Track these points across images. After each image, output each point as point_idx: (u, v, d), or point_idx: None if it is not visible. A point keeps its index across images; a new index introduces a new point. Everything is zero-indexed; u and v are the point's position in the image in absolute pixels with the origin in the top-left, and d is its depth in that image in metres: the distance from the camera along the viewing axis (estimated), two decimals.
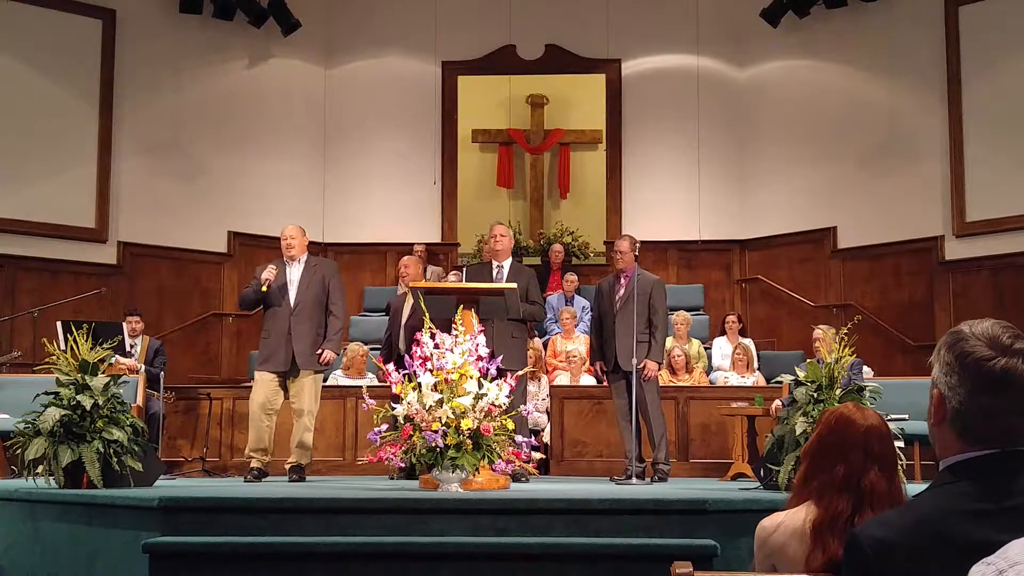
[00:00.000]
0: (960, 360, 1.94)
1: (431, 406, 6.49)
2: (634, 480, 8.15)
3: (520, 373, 7.36)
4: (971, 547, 1.67)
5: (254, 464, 8.53)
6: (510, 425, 6.70)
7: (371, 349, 11.53)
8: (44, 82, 12.59)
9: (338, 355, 9.22)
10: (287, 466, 8.63)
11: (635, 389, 8.48)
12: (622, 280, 8.92)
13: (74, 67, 12.81)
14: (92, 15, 12.92)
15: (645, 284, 8.83)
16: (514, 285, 7.95)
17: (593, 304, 9.29)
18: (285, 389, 8.75)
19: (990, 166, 12.08)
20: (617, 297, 8.84)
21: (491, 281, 8.51)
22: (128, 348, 10.64)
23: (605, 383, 9.15)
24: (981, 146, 12.19)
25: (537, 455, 8.76)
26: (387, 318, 10.30)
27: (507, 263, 8.91)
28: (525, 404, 7.50)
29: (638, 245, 9.10)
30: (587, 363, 11.90)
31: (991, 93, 12.15)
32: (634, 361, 8.43)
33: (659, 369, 9.00)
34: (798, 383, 6.75)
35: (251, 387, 9.08)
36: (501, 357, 6.92)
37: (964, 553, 1.64)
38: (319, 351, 8.77)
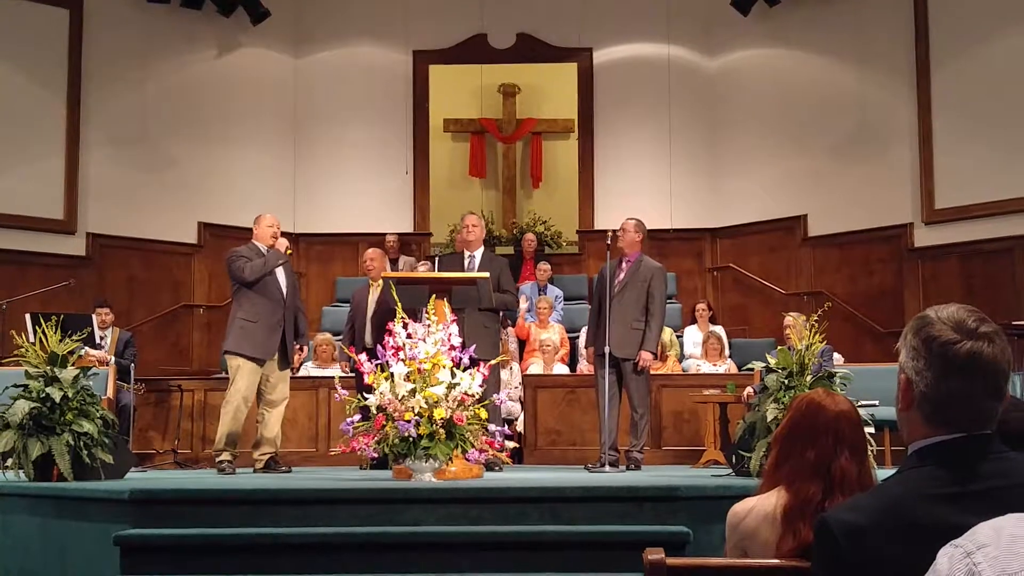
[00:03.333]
0: (926, 344, 1.95)
1: (404, 396, 6.49)
2: (607, 468, 8.15)
3: (493, 362, 7.35)
4: (939, 530, 1.68)
5: (227, 457, 8.40)
6: (483, 414, 6.71)
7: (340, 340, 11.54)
8: (10, 73, 12.47)
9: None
10: (262, 458, 8.53)
11: (612, 377, 8.47)
12: (623, 265, 8.79)
13: (41, 57, 12.70)
14: (59, 4, 12.80)
15: (646, 271, 8.72)
16: (487, 275, 7.94)
17: (595, 288, 9.21)
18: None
19: (959, 153, 12.15)
20: (616, 282, 8.69)
21: (463, 271, 8.48)
22: (98, 340, 10.58)
23: (591, 367, 9.05)
24: (950, 134, 12.26)
25: (510, 444, 8.77)
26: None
27: (479, 252, 8.85)
28: (498, 393, 7.49)
29: (644, 230, 8.99)
30: (560, 352, 11.95)
31: (960, 81, 12.22)
32: (607, 349, 8.40)
33: (655, 359, 8.91)
34: (769, 370, 6.78)
35: (223, 378, 8.97)
36: (474, 347, 6.94)
37: (932, 536, 1.65)
38: (297, 346, 8.81)
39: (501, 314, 9.14)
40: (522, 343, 12.34)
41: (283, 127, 14.60)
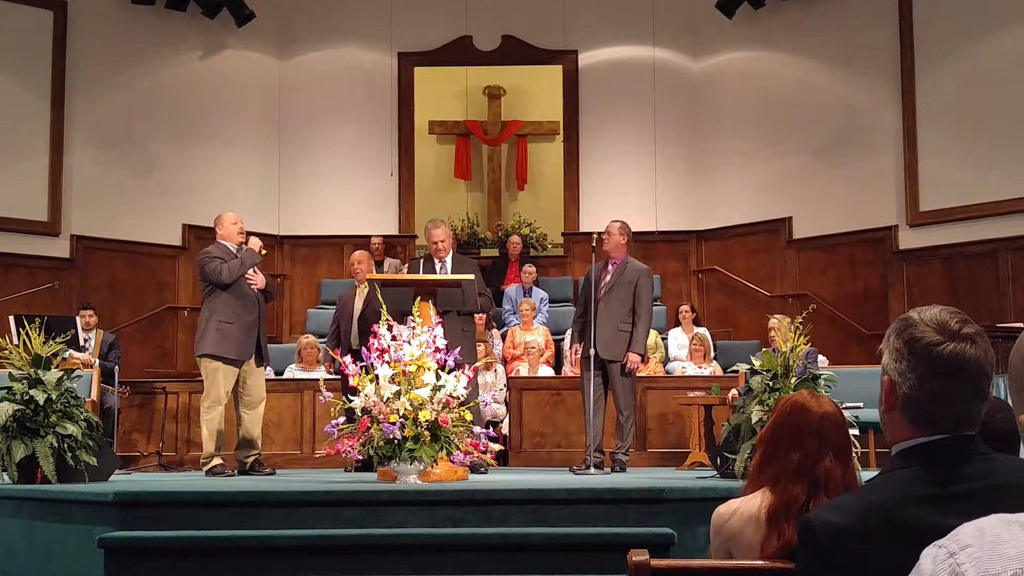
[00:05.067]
0: (909, 346, 1.95)
1: (389, 398, 6.48)
2: (592, 470, 8.16)
3: (478, 365, 7.35)
4: (922, 531, 1.68)
5: (219, 462, 8.30)
6: (468, 416, 6.71)
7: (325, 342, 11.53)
8: None
9: None
10: (247, 460, 8.50)
11: (598, 379, 8.49)
12: (610, 267, 8.81)
13: (25, 59, 12.65)
14: (43, 6, 12.76)
15: (632, 272, 8.73)
16: (471, 277, 7.94)
17: (581, 290, 9.21)
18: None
19: (943, 157, 12.20)
20: (603, 284, 8.70)
21: (434, 273, 8.45)
22: (82, 342, 10.54)
23: (576, 369, 9.06)
24: (934, 137, 12.30)
25: (495, 446, 8.78)
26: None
27: (448, 257, 8.83)
28: (479, 396, 7.49)
29: (630, 232, 9.00)
30: (545, 354, 11.95)
31: (944, 84, 12.26)
32: (593, 352, 8.41)
33: (642, 361, 8.89)
34: (754, 372, 6.80)
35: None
36: (458, 350, 6.94)
37: (916, 537, 1.65)
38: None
39: (486, 316, 9.14)
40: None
41: (268, 129, 14.57)
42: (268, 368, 9.72)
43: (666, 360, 12.24)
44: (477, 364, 7.40)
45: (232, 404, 8.59)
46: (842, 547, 1.84)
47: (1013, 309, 11.35)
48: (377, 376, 6.55)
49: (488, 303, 9.11)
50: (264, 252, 8.74)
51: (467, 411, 6.71)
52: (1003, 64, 11.76)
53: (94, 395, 9.61)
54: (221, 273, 8.39)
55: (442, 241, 8.72)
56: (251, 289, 8.56)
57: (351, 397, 6.70)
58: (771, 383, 6.62)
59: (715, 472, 7.23)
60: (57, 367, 7.02)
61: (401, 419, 6.40)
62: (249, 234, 8.97)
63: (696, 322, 12.94)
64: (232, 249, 8.62)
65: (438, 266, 8.71)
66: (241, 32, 14.13)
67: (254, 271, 8.60)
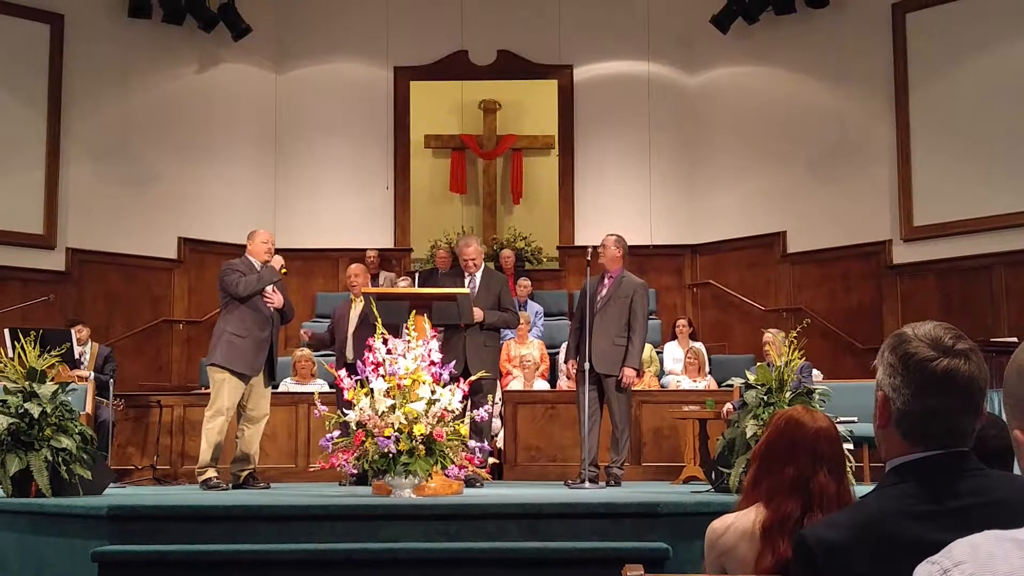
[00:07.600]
0: (903, 362, 1.96)
1: (384, 412, 6.48)
2: (587, 484, 8.15)
3: (474, 378, 7.34)
4: (916, 547, 1.68)
5: (213, 474, 8.32)
6: (463, 430, 6.70)
7: (320, 356, 11.53)
8: None
9: None
10: (241, 474, 8.50)
11: (593, 393, 8.50)
12: (606, 281, 8.84)
13: (22, 72, 12.66)
14: (40, 19, 12.78)
15: (628, 287, 8.76)
16: (466, 290, 7.95)
17: (577, 304, 9.25)
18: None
19: (937, 171, 12.22)
20: (599, 298, 8.74)
21: (463, 287, 8.50)
22: (77, 355, 10.52)
23: (572, 382, 9.08)
24: (928, 151, 12.33)
25: (491, 460, 8.71)
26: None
27: (479, 272, 8.88)
28: (478, 409, 7.47)
29: (625, 246, 9.02)
30: (540, 368, 11.95)
31: (938, 99, 12.30)
32: (588, 366, 8.42)
33: (637, 375, 8.86)
34: (748, 386, 6.80)
35: (203, 394, 8.93)
36: (452, 363, 6.95)
37: (910, 553, 1.66)
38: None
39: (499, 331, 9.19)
40: None
41: (264, 142, 14.58)
42: None
43: (661, 374, 12.24)
44: (472, 377, 7.39)
45: (234, 418, 8.60)
46: (836, 563, 1.85)
47: (1007, 324, 11.36)
48: (372, 390, 6.55)
49: (514, 318, 9.19)
50: (285, 272, 8.81)
51: (462, 424, 6.71)
52: (996, 79, 11.80)
53: (89, 408, 9.60)
54: (238, 286, 8.48)
55: (473, 259, 8.86)
56: (267, 307, 8.59)
57: (346, 411, 6.70)
58: (766, 397, 6.63)
59: (710, 486, 7.23)
60: (52, 380, 7.02)
61: (396, 433, 6.40)
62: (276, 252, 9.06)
63: (692, 336, 12.93)
64: (256, 265, 8.70)
65: (467, 280, 8.77)
66: (238, 46, 14.15)
67: (272, 290, 8.64)
